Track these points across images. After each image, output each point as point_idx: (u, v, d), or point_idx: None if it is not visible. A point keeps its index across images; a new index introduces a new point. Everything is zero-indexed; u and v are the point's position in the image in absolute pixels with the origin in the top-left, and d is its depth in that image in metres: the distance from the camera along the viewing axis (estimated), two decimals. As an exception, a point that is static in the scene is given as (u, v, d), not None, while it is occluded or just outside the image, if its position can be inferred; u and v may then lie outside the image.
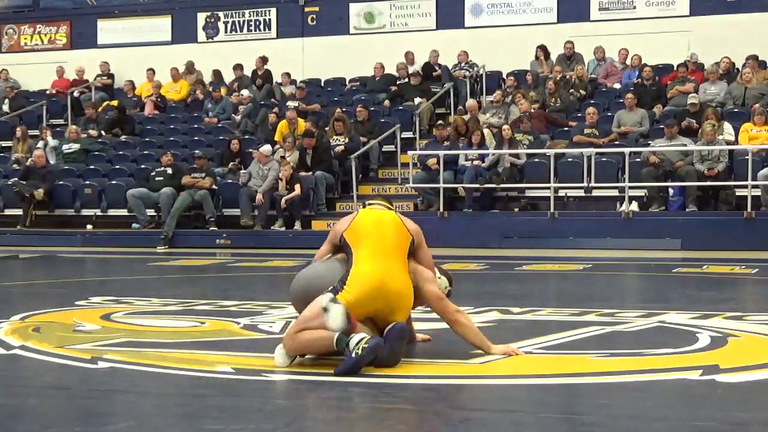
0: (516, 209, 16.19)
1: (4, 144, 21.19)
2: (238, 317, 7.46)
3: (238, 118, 19.71)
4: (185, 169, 17.11)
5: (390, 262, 5.54)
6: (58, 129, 20.95)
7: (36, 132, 20.75)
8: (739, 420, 4.32)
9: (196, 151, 17.57)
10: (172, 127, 20.66)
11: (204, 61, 22.12)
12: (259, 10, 22.85)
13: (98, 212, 17.74)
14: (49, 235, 17.22)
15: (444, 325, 5.80)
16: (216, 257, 14.97)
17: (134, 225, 17.14)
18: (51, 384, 5.26)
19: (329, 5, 22.31)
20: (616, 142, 16.42)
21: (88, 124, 20.49)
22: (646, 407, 4.52)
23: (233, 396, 4.86)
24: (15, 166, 19.14)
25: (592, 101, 18.22)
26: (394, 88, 19.99)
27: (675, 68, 18.42)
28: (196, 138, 19.66)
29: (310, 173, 16.56)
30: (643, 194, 15.45)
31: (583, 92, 18.66)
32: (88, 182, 17.98)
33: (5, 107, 22.34)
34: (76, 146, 19.25)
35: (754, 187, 14.58)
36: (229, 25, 23.10)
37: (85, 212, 17.79)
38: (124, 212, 17.39)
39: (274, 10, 22.77)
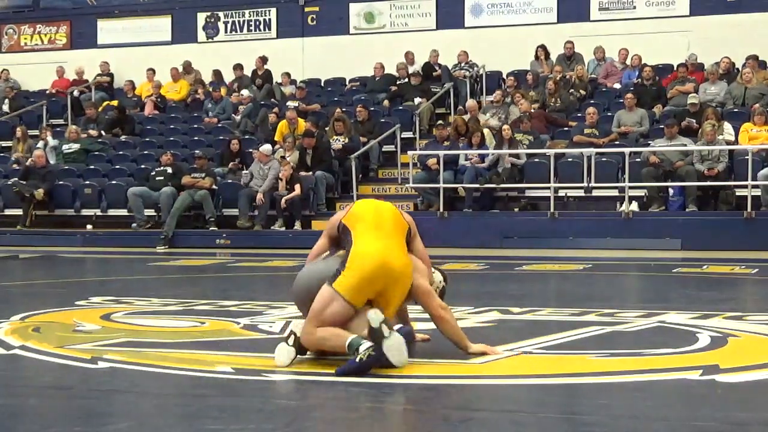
0: (516, 209, 16.18)
1: (4, 144, 21.17)
2: (238, 317, 7.46)
3: (238, 118, 19.70)
4: (185, 169, 17.11)
5: (391, 241, 5.52)
6: (58, 129, 20.93)
7: (36, 132, 20.72)
8: (739, 420, 4.32)
9: (196, 151, 17.57)
10: (172, 127, 20.66)
11: (204, 61, 22.11)
12: (259, 10, 22.84)
13: (98, 212, 17.73)
14: (49, 235, 17.21)
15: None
16: (216, 257, 14.98)
17: (133, 225, 17.14)
18: (51, 384, 5.26)
19: (329, 5, 22.30)
20: (616, 142, 16.41)
21: (88, 124, 20.48)
22: (646, 407, 4.52)
23: (233, 396, 4.86)
24: (15, 166, 19.12)
25: (592, 101, 18.21)
26: (394, 88, 19.98)
27: (675, 68, 18.42)
28: (196, 138, 19.65)
29: (310, 173, 16.55)
30: (643, 194, 15.44)
31: (583, 92, 18.65)
32: (88, 182, 17.97)
33: (5, 107, 22.32)
34: (76, 146, 19.24)
35: (754, 187, 14.57)
36: (229, 25, 23.09)
37: (85, 212, 17.78)
38: (124, 212, 17.38)
39: (274, 10, 22.76)
